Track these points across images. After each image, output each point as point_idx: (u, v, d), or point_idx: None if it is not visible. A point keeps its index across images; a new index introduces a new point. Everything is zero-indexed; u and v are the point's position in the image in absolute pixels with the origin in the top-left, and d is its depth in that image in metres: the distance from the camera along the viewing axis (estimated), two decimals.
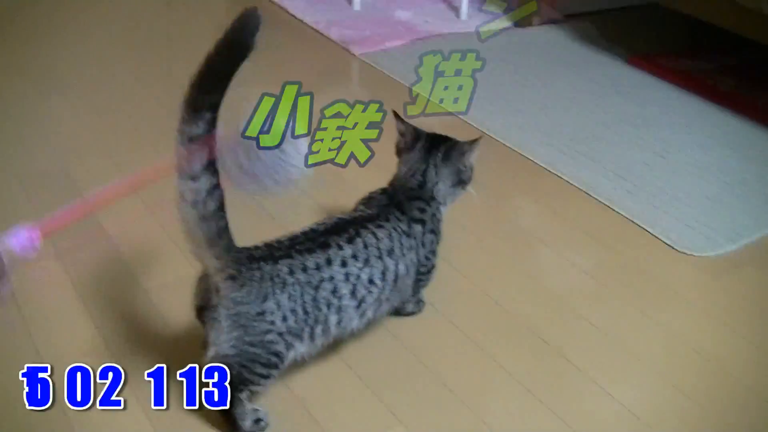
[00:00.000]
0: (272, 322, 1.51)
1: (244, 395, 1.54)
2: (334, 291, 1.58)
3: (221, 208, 1.45)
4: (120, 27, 3.61)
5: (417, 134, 1.85)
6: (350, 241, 1.62)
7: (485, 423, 1.61)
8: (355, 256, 1.61)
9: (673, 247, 2.19)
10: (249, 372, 1.52)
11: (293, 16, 3.68)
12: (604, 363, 1.79)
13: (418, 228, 1.75)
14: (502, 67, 3.31)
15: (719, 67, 3.42)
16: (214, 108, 1.38)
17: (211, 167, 1.42)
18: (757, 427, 1.66)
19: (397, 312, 1.84)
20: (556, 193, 2.44)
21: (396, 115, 1.82)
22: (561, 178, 2.50)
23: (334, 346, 1.70)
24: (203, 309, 1.55)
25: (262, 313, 1.50)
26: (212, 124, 1.39)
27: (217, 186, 1.43)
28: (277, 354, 1.54)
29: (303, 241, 1.59)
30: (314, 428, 1.58)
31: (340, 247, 1.60)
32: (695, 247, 2.19)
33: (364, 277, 1.62)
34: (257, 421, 1.57)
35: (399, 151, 1.87)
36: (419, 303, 1.89)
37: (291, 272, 1.54)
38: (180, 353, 1.67)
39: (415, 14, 3.79)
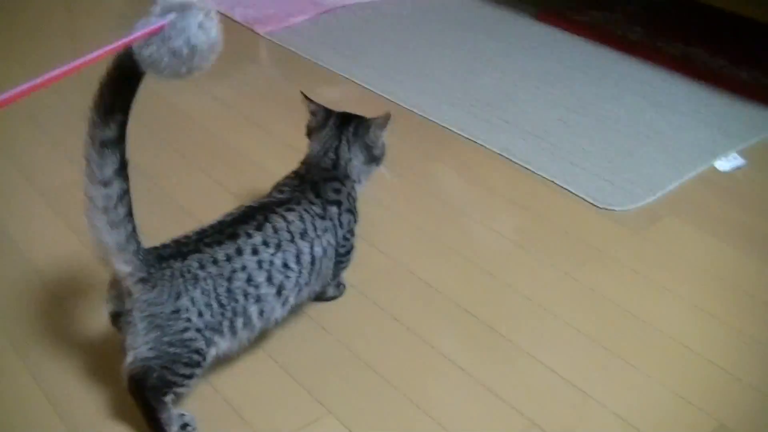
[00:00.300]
0: (188, 319, 1.47)
1: (168, 398, 1.49)
2: (249, 280, 1.54)
3: (130, 212, 1.40)
4: (22, 29, 3.48)
5: (327, 113, 1.81)
6: (259, 228, 1.57)
7: (419, 407, 1.58)
8: (265, 243, 1.56)
9: (594, 204, 2.18)
10: (171, 373, 1.47)
11: None
12: (536, 332, 1.77)
13: (333, 209, 1.71)
14: (409, 34, 3.27)
15: (628, 16, 3.42)
16: (126, 110, 1.32)
17: (123, 172, 1.36)
18: (687, 377, 1.66)
19: (319, 297, 1.80)
20: (473, 160, 2.41)
21: (305, 95, 1.79)
22: (477, 143, 2.47)
23: (258, 338, 1.65)
24: (118, 315, 1.49)
25: (177, 311, 1.46)
26: (123, 127, 1.33)
27: (127, 191, 1.38)
28: (197, 351, 1.49)
29: (211, 233, 1.55)
30: (244, 428, 1.54)
31: (249, 235, 1.56)
32: (615, 201, 2.19)
33: (278, 262, 1.58)
34: (184, 426, 1.51)
35: (310, 132, 1.83)
36: (340, 286, 1.85)
37: (201, 266, 1.49)
38: (99, 360, 1.62)
39: None
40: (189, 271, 1.48)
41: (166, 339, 1.46)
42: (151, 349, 1.46)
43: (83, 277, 1.89)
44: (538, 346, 1.73)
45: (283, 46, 3.14)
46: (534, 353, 1.71)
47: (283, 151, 2.40)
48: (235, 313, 1.53)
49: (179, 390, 1.51)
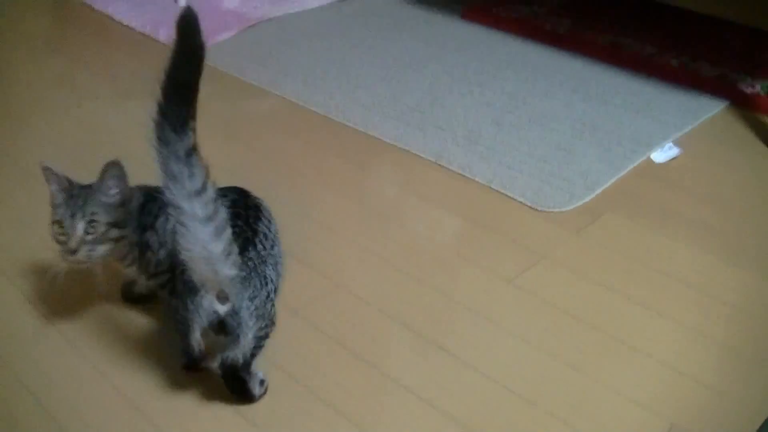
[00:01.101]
0: (270, 296, 1.53)
1: (253, 364, 1.56)
2: (272, 246, 1.62)
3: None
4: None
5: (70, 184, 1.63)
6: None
7: None
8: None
9: (532, 207, 2.16)
10: (260, 347, 1.55)
11: (119, 22, 3.49)
12: (481, 344, 1.73)
13: None
14: (334, 42, 3.22)
15: (555, 9, 3.41)
16: (194, 116, 1.32)
17: (209, 171, 1.35)
18: (637, 378, 1.64)
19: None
20: (409, 170, 2.37)
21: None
22: (412, 153, 2.43)
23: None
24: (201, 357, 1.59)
25: (267, 295, 1.52)
26: (195, 131, 1.33)
27: (217, 193, 1.38)
28: (274, 316, 1.56)
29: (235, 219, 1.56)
30: None
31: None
32: (554, 203, 2.16)
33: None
34: (261, 382, 1.60)
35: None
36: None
37: (263, 246, 1.56)
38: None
39: (243, 1, 3.65)
40: (260, 255, 1.53)
41: (263, 323, 1.51)
42: (253, 338, 1.50)
43: None
44: (483, 358, 1.69)
45: (208, 64, 3.06)
46: (480, 366, 1.67)
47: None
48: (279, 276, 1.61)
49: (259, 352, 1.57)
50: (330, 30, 3.33)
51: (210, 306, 1.46)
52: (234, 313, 1.46)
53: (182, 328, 1.51)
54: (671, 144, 2.42)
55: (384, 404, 1.60)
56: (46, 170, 1.59)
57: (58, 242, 1.58)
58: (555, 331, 1.77)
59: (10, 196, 2.23)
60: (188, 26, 1.30)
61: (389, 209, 2.21)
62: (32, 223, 2.05)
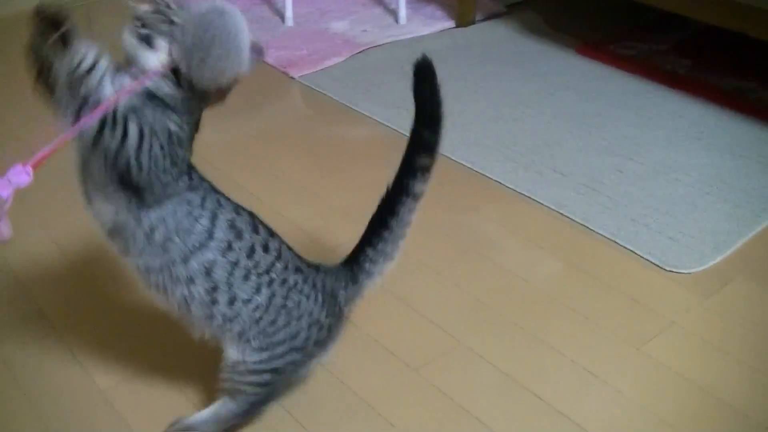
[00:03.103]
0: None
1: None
2: None
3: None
4: None
5: None
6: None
7: None
8: None
9: (659, 266, 2.05)
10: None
11: None
12: (600, 409, 1.64)
13: None
14: (446, 75, 3.08)
15: (672, 47, 3.29)
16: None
17: None
18: None
19: None
20: (524, 216, 2.28)
21: None
22: (528, 197, 2.34)
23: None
24: None
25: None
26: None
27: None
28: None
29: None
30: None
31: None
32: (681, 262, 2.05)
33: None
34: None
35: None
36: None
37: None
38: None
39: (351, 24, 3.61)
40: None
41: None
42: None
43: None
44: (593, 423, 1.61)
45: (315, 89, 3.04)
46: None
47: (298, 195, 2.36)
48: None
49: None
50: (441, 60, 3.18)
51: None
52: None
53: None
54: None
55: None
56: None
57: None
58: (674, 400, 1.66)
59: None
60: (425, 71, 1.62)
61: (503, 257, 2.12)
62: None
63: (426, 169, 1.53)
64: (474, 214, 2.29)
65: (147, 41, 1.26)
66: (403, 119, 2.74)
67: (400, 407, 1.64)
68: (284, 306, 1.42)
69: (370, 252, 1.56)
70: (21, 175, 1.24)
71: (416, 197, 1.54)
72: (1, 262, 2.09)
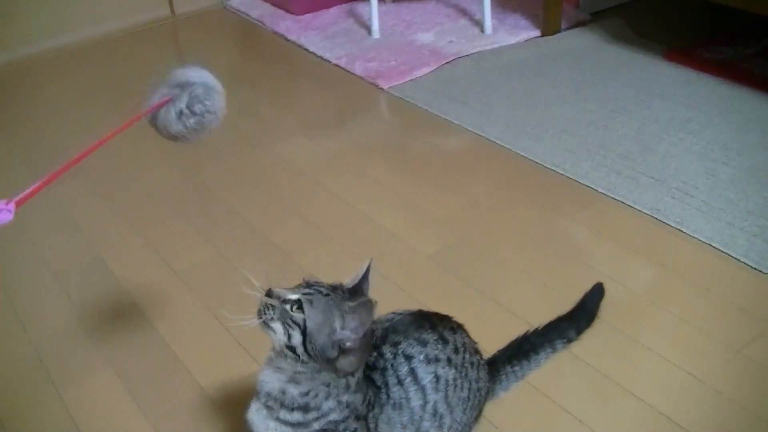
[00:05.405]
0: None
1: None
2: None
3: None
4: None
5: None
6: None
7: None
8: None
9: (756, 269, 2.06)
10: None
11: (313, 53, 3.55)
12: (713, 419, 1.66)
13: None
14: (534, 82, 3.18)
15: (761, 51, 3.27)
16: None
17: None
18: None
19: None
20: (618, 221, 2.30)
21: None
22: (621, 202, 2.36)
23: None
24: None
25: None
26: None
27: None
28: None
29: None
30: None
31: None
32: None
33: None
34: None
35: None
36: None
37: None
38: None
39: (436, 35, 3.66)
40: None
41: None
42: None
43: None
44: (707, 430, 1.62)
45: (405, 99, 3.10)
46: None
47: (392, 203, 2.39)
48: None
49: None
50: (528, 69, 3.29)
51: None
52: None
53: None
54: None
55: None
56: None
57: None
58: None
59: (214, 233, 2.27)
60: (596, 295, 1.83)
61: (602, 264, 2.15)
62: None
63: (570, 341, 1.75)
64: (568, 220, 2.32)
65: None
66: (491, 127, 2.80)
67: (500, 408, 1.68)
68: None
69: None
70: (2, 213, 1.20)
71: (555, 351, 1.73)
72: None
